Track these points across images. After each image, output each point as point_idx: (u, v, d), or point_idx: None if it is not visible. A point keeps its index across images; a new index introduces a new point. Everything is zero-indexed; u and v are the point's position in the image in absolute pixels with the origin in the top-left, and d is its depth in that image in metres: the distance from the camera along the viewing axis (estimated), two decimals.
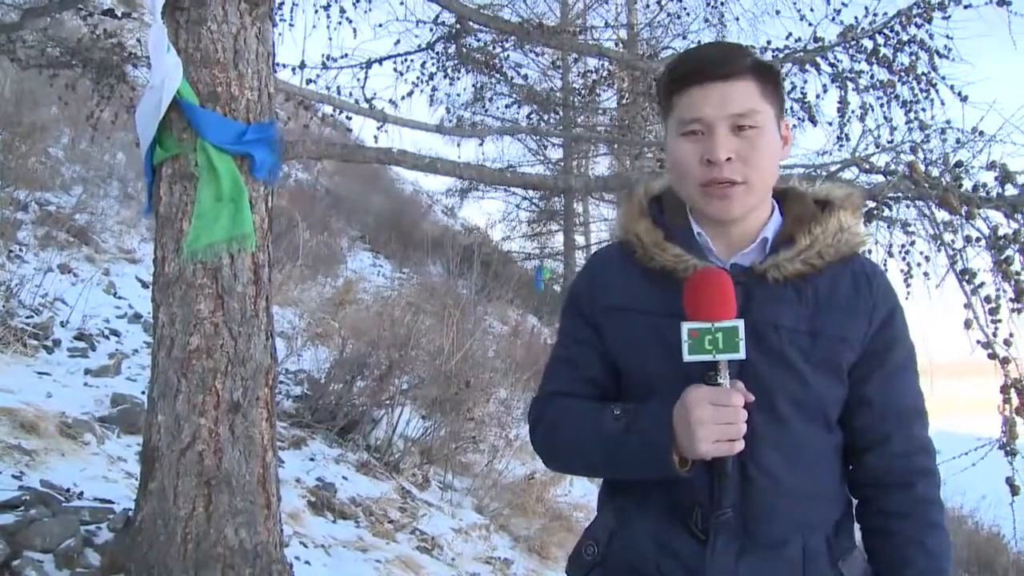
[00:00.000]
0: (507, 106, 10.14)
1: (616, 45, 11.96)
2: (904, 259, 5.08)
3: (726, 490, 1.73)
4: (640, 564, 1.81)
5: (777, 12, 7.52)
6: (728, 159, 1.73)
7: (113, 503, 4.72)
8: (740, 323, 1.66)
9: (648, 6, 8.91)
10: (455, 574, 6.26)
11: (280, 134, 4.25)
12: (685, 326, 1.68)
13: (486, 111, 8.55)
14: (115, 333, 8.11)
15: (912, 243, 4.73)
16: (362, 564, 5.67)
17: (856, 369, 1.80)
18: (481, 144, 8.30)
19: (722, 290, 1.68)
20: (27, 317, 7.44)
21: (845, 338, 1.77)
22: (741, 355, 1.66)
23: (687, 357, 1.68)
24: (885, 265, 4.59)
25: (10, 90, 10.01)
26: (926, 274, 4.78)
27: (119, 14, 5.64)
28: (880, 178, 3.52)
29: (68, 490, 4.79)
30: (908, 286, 5.03)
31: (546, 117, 9.61)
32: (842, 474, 1.87)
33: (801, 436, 1.77)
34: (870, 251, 4.69)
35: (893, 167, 3.42)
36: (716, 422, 1.63)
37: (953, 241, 3.42)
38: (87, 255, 9.76)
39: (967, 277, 3.23)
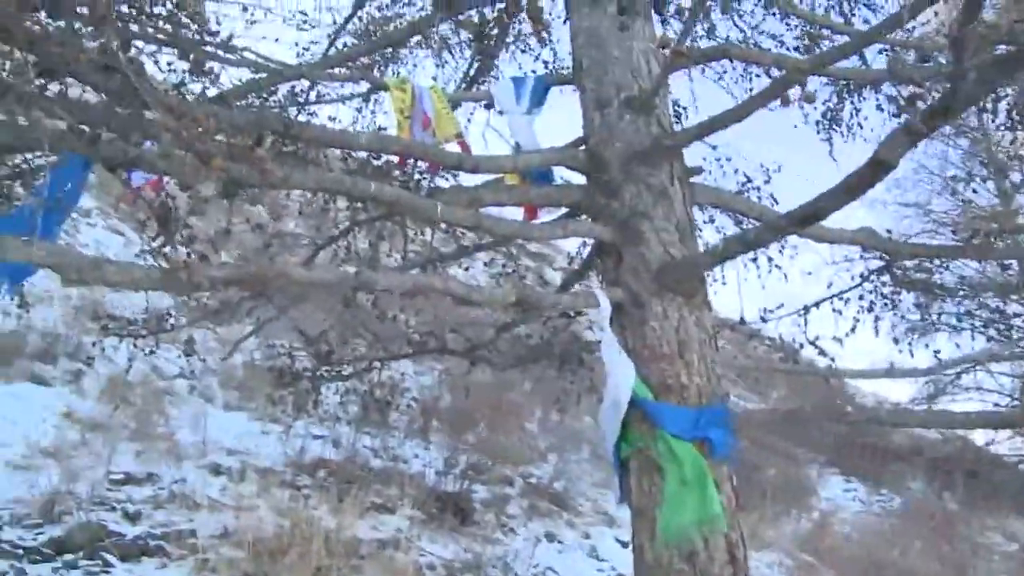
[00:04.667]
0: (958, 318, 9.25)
1: None
2: None
3: None
4: None
5: None
6: None
7: None
8: None
9: None
10: None
11: (733, 412, 4.40)
12: None
13: (936, 329, 8.05)
14: None
15: None
16: None
17: None
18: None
19: None
20: None
21: None
22: None
23: None
24: None
25: (489, 377, 11.39)
26: None
27: (572, 314, 6.33)
28: None
29: None
30: None
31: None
32: None
33: None
34: None
35: None
36: None
37: None
38: (568, 520, 10.42)
39: None
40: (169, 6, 3.63)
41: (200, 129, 2.70)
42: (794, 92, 3.93)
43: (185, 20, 3.61)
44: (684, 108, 7.14)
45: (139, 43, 3.77)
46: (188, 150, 2.57)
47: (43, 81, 3.33)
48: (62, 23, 3.30)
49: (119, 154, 3.00)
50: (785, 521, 12.41)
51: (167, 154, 2.51)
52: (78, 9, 3.21)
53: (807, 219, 3.76)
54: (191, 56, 3.25)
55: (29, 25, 3.08)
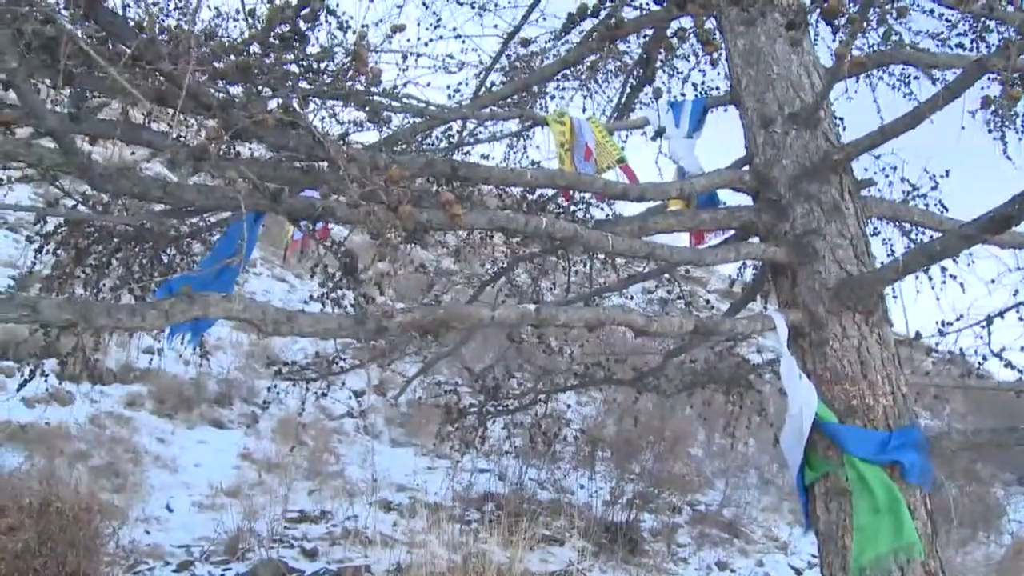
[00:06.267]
0: None
1: None
2: None
3: None
4: None
5: None
6: None
7: None
8: None
9: None
10: None
11: (924, 434, 4.17)
12: None
13: None
14: None
15: None
16: None
17: None
18: None
19: None
20: None
21: None
22: None
23: None
24: None
25: (652, 404, 11.28)
26: None
27: (739, 339, 6.19)
28: None
29: None
30: None
31: None
32: None
33: None
34: None
35: None
36: None
37: None
38: (740, 548, 10.17)
39: None
40: (339, 62, 3.76)
41: (383, 178, 2.79)
42: (992, 93, 3.71)
43: (351, 74, 3.73)
44: (841, 119, 6.91)
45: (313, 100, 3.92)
46: (375, 199, 2.65)
47: (232, 144, 3.52)
48: (243, 88, 3.48)
49: (307, 208, 3.13)
50: (973, 546, 11.72)
51: (355, 204, 2.59)
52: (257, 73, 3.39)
53: (999, 225, 3.53)
54: (366, 107, 3.36)
55: (216, 93, 3.27)
